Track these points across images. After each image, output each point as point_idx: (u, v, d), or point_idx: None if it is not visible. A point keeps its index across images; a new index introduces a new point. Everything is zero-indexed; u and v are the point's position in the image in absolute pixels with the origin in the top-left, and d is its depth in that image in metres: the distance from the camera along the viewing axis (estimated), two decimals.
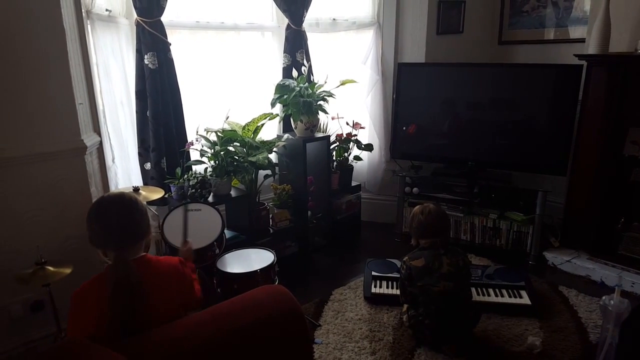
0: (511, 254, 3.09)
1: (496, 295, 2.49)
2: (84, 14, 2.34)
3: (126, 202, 1.42)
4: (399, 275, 2.30)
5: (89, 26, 2.41)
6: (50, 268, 1.88)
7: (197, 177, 2.61)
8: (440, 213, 2.19)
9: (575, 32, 3.26)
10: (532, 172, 3.14)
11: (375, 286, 2.63)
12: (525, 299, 2.46)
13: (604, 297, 1.78)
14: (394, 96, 3.41)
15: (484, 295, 2.50)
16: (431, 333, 2.09)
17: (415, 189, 3.32)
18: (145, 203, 1.51)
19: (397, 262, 2.80)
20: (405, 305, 2.26)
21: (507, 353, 2.14)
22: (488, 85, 3.15)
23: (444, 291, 2.05)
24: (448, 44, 3.44)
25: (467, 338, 2.17)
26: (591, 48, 2.76)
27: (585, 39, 3.01)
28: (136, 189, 2.33)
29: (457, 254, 2.12)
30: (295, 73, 3.06)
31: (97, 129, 2.49)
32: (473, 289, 2.50)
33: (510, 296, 2.49)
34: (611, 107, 2.70)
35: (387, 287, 2.62)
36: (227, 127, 2.82)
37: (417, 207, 2.23)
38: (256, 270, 2.16)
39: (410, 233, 2.27)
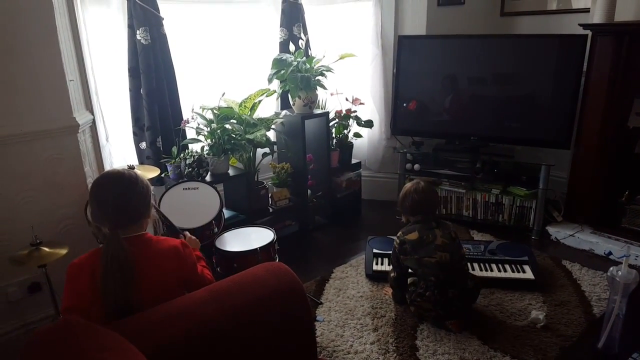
0: (514, 229, 3.06)
1: (499, 271, 2.47)
2: None
3: (124, 182, 1.39)
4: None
5: (78, 1, 2.31)
6: (46, 249, 1.84)
7: (194, 156, 2.55)
8: (432, 189, 2.22)
9: (579, 1, 3.17)
10: (535, 146, 3.09)
11: (376, 263, 2.61)
12: (529, 274, 2.44)
13: (611, 268, 1.75)
14: (394, 70, 3.33)
15: (487, 270, 2.48)
16: (434, 305, 2.08)
17: (416, 166, 3.27)
18: (147, 182, 1.46)
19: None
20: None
21: (511, 327, 2.12)
22: (490, 58, 3.07)
23: (441, 262, 2.06)
24: (449, 16, 3.33)
25: (468, 310, 2.17)
26: (596, 17, 2.68)
27: (589, 8, 2.92)
28: (131, 168, 2.27)
29: (447, 227, 2.15)
30: (292, 47, 2.97)
31: (89, 107, 2.42)
32: (476, 265, 2.51)
33: (513, 271, 2.47)
34: (616, 77, 2.63)
35: (389, 265, 2.59)
36: (223, 104, 2.75)
37: (408, 184, 2.23)
38: (256, 248, 2.12)
39: (401, 210, 2.26)
